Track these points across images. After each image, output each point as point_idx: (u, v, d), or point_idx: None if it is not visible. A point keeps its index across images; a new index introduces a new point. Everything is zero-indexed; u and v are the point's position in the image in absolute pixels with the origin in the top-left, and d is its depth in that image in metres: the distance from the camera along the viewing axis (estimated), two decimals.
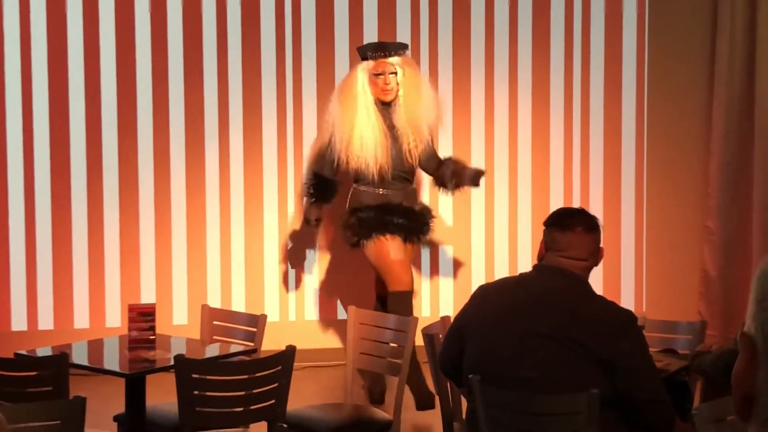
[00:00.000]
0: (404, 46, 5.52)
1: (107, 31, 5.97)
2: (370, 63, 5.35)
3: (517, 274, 3.64)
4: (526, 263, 6.36)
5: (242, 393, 3.76)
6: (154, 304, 4.25)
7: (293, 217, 6.18)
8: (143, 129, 6.04)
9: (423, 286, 6.29)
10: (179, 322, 5.98)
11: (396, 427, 4.24)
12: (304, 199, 5.64)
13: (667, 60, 6.43)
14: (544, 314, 3.32)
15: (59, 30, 5.93)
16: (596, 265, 3.43)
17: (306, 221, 5.65)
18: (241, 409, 3.80)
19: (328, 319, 6.25)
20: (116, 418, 4.22)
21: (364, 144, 5.30)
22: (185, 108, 6.06)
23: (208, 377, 3.73)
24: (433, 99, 5.48)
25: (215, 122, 6.10)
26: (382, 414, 4.32)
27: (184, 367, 3.68)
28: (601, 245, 3.44)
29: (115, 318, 6.01)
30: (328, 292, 6.26)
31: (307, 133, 6.16)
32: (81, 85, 5.96)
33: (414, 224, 5.46)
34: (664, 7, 6.42)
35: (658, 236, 6.48)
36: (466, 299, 6.21)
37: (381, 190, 5.39)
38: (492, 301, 3.46)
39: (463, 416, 3.96)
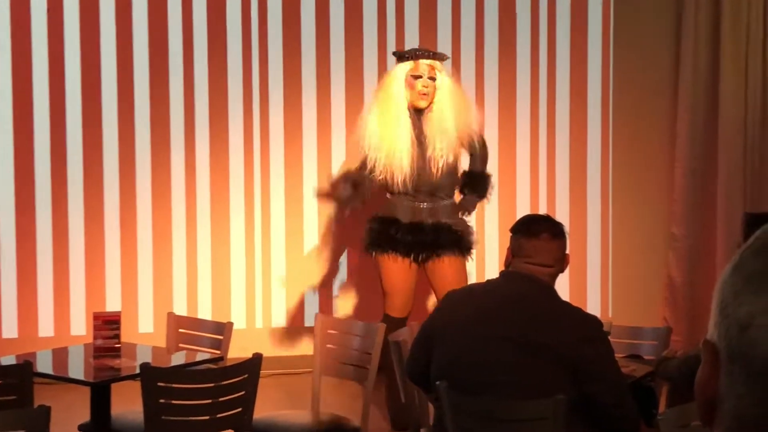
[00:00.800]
0: (445, 55, 5.32)
1: (72, 39, 5.93)
2: (410, 63, 5.11)
3: (485, 280, 3.65)
4: (493, 269, 6.38)
5: (209, 401, 3.74)
6: (119, 312, 4.23)
7: (260, 224, 6.17)
8: (108, 137, 6.00)
9: None
10: (145, 330, 5.95)
11: None
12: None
13: (631, 67, 6.48)
14: (511, 320, 3.34)
15: (23, 38, 5.88)
16: (562, 271, 3.46)
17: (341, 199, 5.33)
18: (208, 417, 3.78)
19: (295, 326, 6.23)
20: (81, 428, 4.19)
21: (393, 153, 5.05)
22: (150, 116, 6.03)
23: (174, 385, 3.71)
24: (470, 110, 5.24)
25: (181, 130, 6.07)
26: (349, 421, 4.32)
27: (149, 375, 3.66)
28: (567, 252, 3.46)
29: (80, 326, 5.96)
30: (295, 299, 6.24)
31: (274, 141, 6.15)
32: (45, 92, 5.92)
33: (440, 240, 5.15)
34: (629, 14, 6.47)
35: (624, 242, 6.52)
36: (432, 306, 6.28)
37: (413, 202, 5.13)
38: (459, 308, 3.47)
39: (431, 423, 3.96)
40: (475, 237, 5.34)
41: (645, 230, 6.53)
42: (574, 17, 6.43)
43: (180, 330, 4.53)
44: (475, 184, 5.29)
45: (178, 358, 4.32)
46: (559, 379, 3.26)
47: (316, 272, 6.23)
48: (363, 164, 5.20)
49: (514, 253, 3.46)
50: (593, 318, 3.37)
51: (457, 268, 5.15)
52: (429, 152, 5.12)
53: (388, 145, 5.07)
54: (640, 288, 6.51)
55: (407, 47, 6.00)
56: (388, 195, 5.21)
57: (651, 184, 6.54)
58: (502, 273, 3.49)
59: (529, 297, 3.37)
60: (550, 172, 6.49)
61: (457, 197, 5.32)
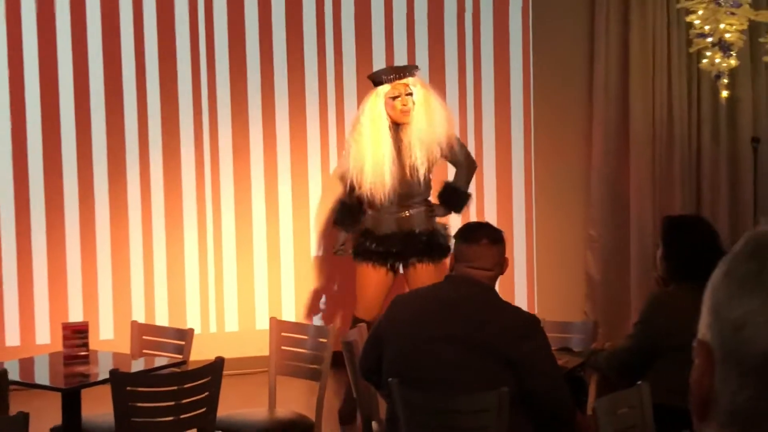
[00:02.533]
0: (416, 67, 5.28)
1: (31, 63, 5.84)
2: (386, 87, 5.06)
3: (431, 284, 3.66)
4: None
5: (174, 403, 3.70)
6: (86, 323, 4.16)
7: (212, 237, 6.13)
8: (67, 155, 5.91)
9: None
10: (106, 337, 5.86)
11: (318, 428, 4.23)
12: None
13: (551, 87, 6.56)
14: (455, 320, 3.35)
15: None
16: (501, 273, 3.48)
17: (334, 249, 5.32)
18: (174, 418, 3.73)
19: (247, 329, 6.19)
20: (53, 430, 4.11)
21: (376, 171, 5.00)
22: (107, 133, 5.95)
23: (142, 389, 3.66)
24: (445, 116, 5.18)
25: (135, 145, 6.00)
26: (305, 417, 4.30)
27: (119, 380, 3.60)
28: (506, 256, 3.49)
29: (44, 335, 5.85)
30: (245, 304, 6.20)
31: (223, 150, 6.11)
32: (6, 105, 5.80)
33: (415, 249, 5.10)
34: (548, 40, 6.54)
35: (547, 244, 6.59)
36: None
37: (390, 213, 5.09)
38: (407, 310, 3.47)
39: (381, 416, 3.96)
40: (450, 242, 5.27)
41: (565, 233, 6.61)
42: (498, 44, 6.49)
43: (143, 337, 4.47)
44: (453, 200, 5.23)
45: (143, 364, 4.26)
46: (501, 374, 3.27)
47: (264, 279, 6.20)
48: (350, 187, 5.12)
49: (456, 258, 3.47)
50: (531, 316, 3.40)
51: (433, 273, 5.04)
52: (408, 162, 5.06)
53: (371, 164, 5.01)
54: (562, 285, 6.58)
55: (346, 59, 6.00)
56: (369, 211, 5.16)
57: (570, 190, 6.62)
58: (446, 277, 3.50)
59: (471, 299, 3.39)
60: (479, 181, 6.53)
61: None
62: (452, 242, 5.03)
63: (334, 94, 6.21)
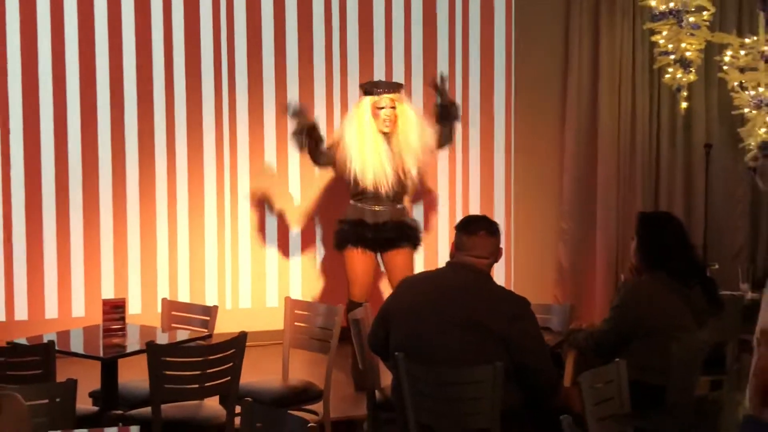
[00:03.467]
0: (401, 86, 5.31)
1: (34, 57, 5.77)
2: (374, 98, 5.14)
3: (434, 269, 3.64)
4: (419, 259, 6.38)
5: (202, 372, 3.68)
6: (123, 299, 4.14)
7: (229, 225, 6.10)
8: (102, 136, 5.82)
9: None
10: (134, 312, 5.82)
11: (327, 395, 4.21)
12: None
13: (530, 95, 6.54)
14: (455, 302, 3.34)
15: None
16: (497, 261, 3.47)
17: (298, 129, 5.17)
18: (200, 385, 3.71)
19: (259, 306, 6.17)
20: (91, 394, 4.09)
21: (378, 167, 5.07)
22: (138, 129, 5.89)
23: (175, 359, 3.63)
24: (426, 130, 5.23)
25: (163, 141, 5.93)
26: (314, 385, 4.29)
27: (155, 351, 3.58)
28: (501, 246, 3.48)
29: (79, 309, 5.81)
30: (258, 283, 6.17)
31: (241, 142, 6.06)
32: (50, 92, 5.72)
33: (402, 235, 5.21)
34: (528, 52, 6.52)
35: (523, 236, 6.58)
36: (385, 292, 6.24)
37: (376, 207, 5.14)
38: (412, 291, 3.47)
39: (382, 385, 3.95)
40: (422, 233, 5.38)
41: (540, 226, 6.60)
42: (483, 56, 6.46)
43: (173, 312, 4.44)
44: (447, 113, 5.27)
45: (167, 337, 4.24)
46: (496, 350, 3.27)
47: (274, 262, 6.18)
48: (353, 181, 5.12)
49: (457, 247, 3.46)
50: (522, 299, 3.39)
51: (407, 257, 5.21)
52: (398, 166, 5.14)
53: (373, 162, 5.05)
54: (536, 272, 6.58)
55: (350, 56, 5.94)
56: (351, 201, 5.18)
57: (545, 189, 6.60)
58: (447, 263, 3.49)
59: (469, 283, 3.38)
60: (464, 180, 6.53)
61: (407, 201, 5.37)
62: (421, 233, 5.32)
63: (339, 89, 6.18)
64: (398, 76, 6.21)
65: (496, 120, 6.52)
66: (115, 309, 4.08)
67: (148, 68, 5.87)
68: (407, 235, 5.21)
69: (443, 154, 6.42)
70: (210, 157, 6.05)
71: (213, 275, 6.09)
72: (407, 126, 5.16)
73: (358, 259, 5.14)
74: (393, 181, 5.13)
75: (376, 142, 5.09)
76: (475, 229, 3.43)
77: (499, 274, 6.59)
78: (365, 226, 5.14)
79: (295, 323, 4.42)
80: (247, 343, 3.81)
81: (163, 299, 4.57)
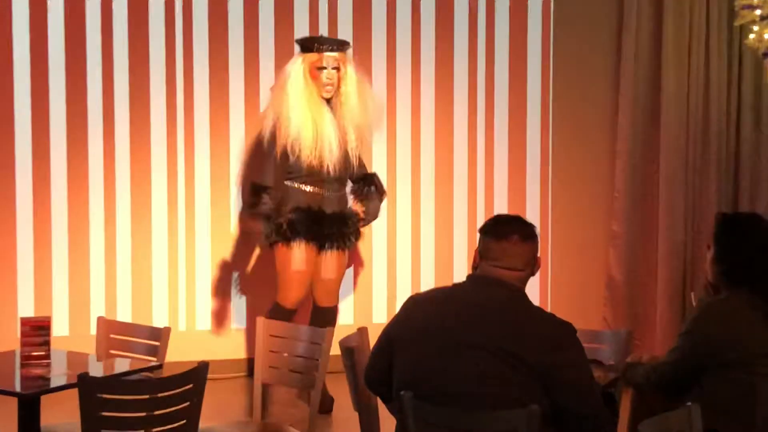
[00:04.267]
0: (348, 44, 5.49)
1: None
2: (313, 56, 5.31)
3: (451, 284, 3.63)
4: (428, 270, 6.41)
5: (151, 413, 3.65)
6: (48, 318, 4.11)
7: (184, 219, 6.11)
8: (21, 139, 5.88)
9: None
10: (60, 334, 5.82)
11: None
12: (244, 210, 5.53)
13: (572, 59, 6.56)
14: (480, 326, 3.32)
15: None
16: (533, 275, 3.45)
17: (262, 236, 5.42)
18: (149, 430, 3.69)
19: (221, 329, 6.17)
20: None
21: (319, 137, 5.25)
22: (67, 117, 5.91)
23: (114, 397, 3.61)
24: (374, 101, 5.47)
25: (100, 125, 5.97)
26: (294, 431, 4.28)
27: (88, 385, 3.55)
28: (539, 255, 3.47)
29: None
30: (221, 300, 6.17)
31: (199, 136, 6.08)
32: None
33: (345, 231, 5.45)
34: (570, 3, 6.53)
35: (564, 240, 6.60)
36: (367, 305, 6.29)
37: (316, 189, 5.35)
38: (424, 313, 3.44)
39: None
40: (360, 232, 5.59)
41: (585, 227, 6.62)
42: (514, 8, 6.47)
43: (111, 335, 4.44)
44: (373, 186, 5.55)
45: (111, 367, 4.23)
46: (531, 389, 3.25)
47: (246, 271, 6.18)
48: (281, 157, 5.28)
49: (481, 256, 3.44)
50: (566, 324, 3.37)
51: (343, 257, 5.49)
52: (343, 142, 5.31)
53: (314, 131, 5.23)
54: (579, 287, 6.60)
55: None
56: (287, 182, 5.33)
57: (591, 179, 6.62)
58: (469, 277, 3.47)
59: (498, 302, 3.36)
60: (488, 168, 6.52)
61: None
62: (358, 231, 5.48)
63: None
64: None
65: (529, 87, 6.53)
66: (37, 330, 4.04)
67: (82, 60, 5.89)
68: (348, 233, 5.43)
69: (459, 133, 6.43)
70: (159, 138, 6.07)
71: (162, 288, 6.10)
72: (352, 93, 5.33)
73: (297, 255, 5.31)
74: (338, 157, 5.29)
75: (318, 108, 5.24)
76: (506, 233, 3.41)
77: (531, 290, 6.56)
78: (311, 214, 5.30)
79: (270, 351, 4.42)
80: (209, 376, 3.80)
81: (99, 318, 4.56)
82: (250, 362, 4.61)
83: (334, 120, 5.30)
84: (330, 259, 5.45)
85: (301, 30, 6.06)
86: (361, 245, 6.30)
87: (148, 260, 6.09)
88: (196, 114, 6.11)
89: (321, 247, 5.42)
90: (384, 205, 6.30)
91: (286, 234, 5.32)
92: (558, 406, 3.26)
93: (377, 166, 6.28)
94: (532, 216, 6.57)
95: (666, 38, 6.49)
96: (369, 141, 5.55)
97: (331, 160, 5.27)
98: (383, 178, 6.31)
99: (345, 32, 6.18)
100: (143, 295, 6.08)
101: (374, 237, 6.38)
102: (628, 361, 3.96)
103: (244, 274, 6.18)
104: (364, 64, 6.21)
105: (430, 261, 6.47)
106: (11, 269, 5.89)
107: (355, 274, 6.35)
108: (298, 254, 5.35)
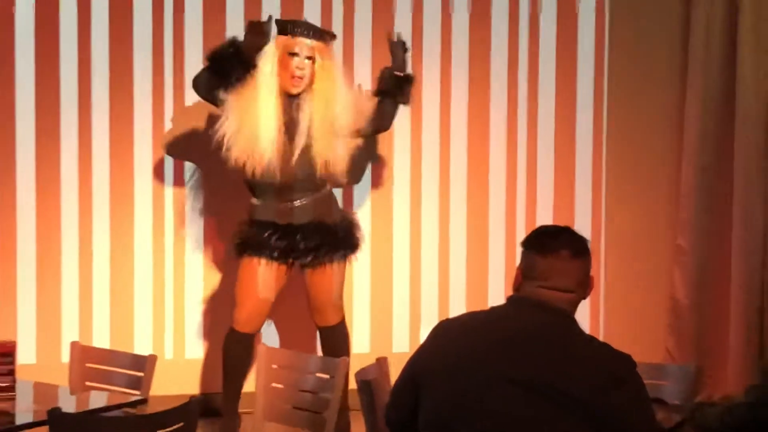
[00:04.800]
0: (331, 35, 5.54)
1: None
2: (288, 39, 5.39)
3: (487, 307, 3.64)
4: (458, 291, 6.43)
5: None
6: (13, 343, 4.16)
7: (171, 231, 6.15)
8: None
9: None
10: (26, 361, 5.86)
11: None
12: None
13: (631, 43, 6.58)
14: (522, 358, 3.33)
15: None
16: (585, 297, 3.46)
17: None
18: None
19: (215, 356, 6.18)
20: None
21: (255, 137, 5.33)
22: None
23: None
24: (352, 102, 5.51)
25: (75, 120, 6.03)
26: None
27: (60, 423, 3.58)
28: (592, 274, 3.47)
29: None
30: (215, 324, 6.20)
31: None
32: None
33: (329, 240, 5.52)
34: None
35: (619, 257, 6.61)
36: (386, 332, 6.32)
37: (281, 201, 5.46)
38: (455, 342, 3.45)
39: None
40: (362, 234, 5.66)
41: (645, 242, 6.62)
42: None
43: (87, 364, 4.48)
44: (394, 85, 5.56)
45: (86, 401, 4.28)
46: (578, 430, 3.26)
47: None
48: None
49: (524, 274, 3.44)
50: (624, 357, 3.38)
51: (338, 273, 5.59)
52: (301, 144, 5.38)
53: (250, 128, 5.33)
54: (638, 313, 6.60)
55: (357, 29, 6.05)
56: (253, 200, 5.49)
57: (653, 186, 6.63)
58: (509, 299, 3.48)
59: (544, 330, 3.36)
60: (530, 173, 6.54)
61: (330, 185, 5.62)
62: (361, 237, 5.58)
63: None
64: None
65: (579, 80, 6.56)
66: (1, 357, 4.08)
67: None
68: (336, 241, 5.49)
69: (497, 130, 6.45)
70: (142, 140, 6.13)
71: (147, 309, 6.14)
72: (323, 90, 5.39)
73: (252, 273, 5.45)
74: (284, 164, 5.35)
75: (269, 102, 5.33)
76: (554, 247, 3.41)
77: (581, 316, 6.54)
78: (266, 228, 5.42)
79: (272, 384, 4.45)
80: (201, 413, 3.83)
81: (72, 344, 4.61)
82: (250, 396, 4.62)
83: (281, 119, 5.37)
84: (315, 276, 5.55)
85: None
86: (380, 261, 6.33)
87: (130, 276, 6.12)
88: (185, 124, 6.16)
89: (302, 266, 5.53)
90: (407, 215, 6.37)
91: (248, 250, 5.47)
92: None
93: (400, 173, 6.33)
94: (582, 228, 6.49)
95: (743, 15, 6.48)
96: (339, 147, 5.52)
97: (260, 164, 5.34)
98: (407, 185, 6.37)
99: (364, 29, 6.22)
100: (124, 317, 6.12)
101: (395, 252, 6.40)
102: (696, 401, 3.96)
103: None
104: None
105: (461, 280, 6.48)
106: None
107: (372, 295, 6.37)
108: (261, 270, 5.49)
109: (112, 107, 6.08)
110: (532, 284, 3.40)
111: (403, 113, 6.32)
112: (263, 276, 5.48)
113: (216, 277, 6.21)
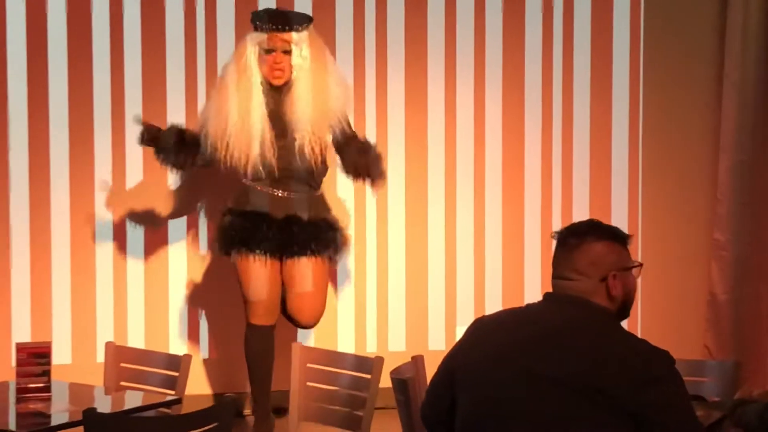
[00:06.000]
0: (306, 19, 5.49)
1: None
2: (262, 35, 5.38)
3: (523, 304, 3.63)
4: (494, 288, 6.41)
5: None
6: (49, 343, 4.17)
7: (205, 228, 6.16)
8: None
9: (370, 315, 6.30)
10: (61, 361, 5.89)
11: None
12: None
13: (667, 33, 6.54)
14: (557, 355, 3.31)
15: None
16: (603, 280, 3.38)
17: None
18: None
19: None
20: None
21: (241, 132, 5.34)
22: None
23: None
24: (339, 85, 5.50)
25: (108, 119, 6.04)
26: None
27: (96, 424, 3.58)
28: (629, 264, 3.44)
29: None
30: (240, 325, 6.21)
31: None
32: None
33: (320, 239, 5.52)
34: None
35: (655, 252, 6.56)
36: (422, 330, 6.31)
37: (280, 192, 5.44)
38: (491, 339, 3.43)
39: None
40: (345, 237, 5.61)
41: (682, 236, 6.60)
42: None
43: (122, 364, 4.48)
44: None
45: (121, 401, 4.27)
46: (619, 429, 3.24)
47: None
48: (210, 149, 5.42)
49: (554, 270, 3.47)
50: (663, 353, 3.35)
51: (318, 272, 5.52)
52: (292, 136, 5.38)
53: (238, 123, 5.33)
54: (675, 309, 6.57)
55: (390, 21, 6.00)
56: (244, 181, 5.45)
57: (690, 181, 6.60)
58: (544, 296, 3.47)
59: (579, 325, 3.34)
60: (565, 168, 6.52)
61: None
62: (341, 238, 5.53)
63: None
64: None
65: (615, 68, 6.52)
66: (35, 358, 4.09)
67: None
68: (315, 239, 5.46)
69: (532, 124, 6.44)
70: None
71: (180, 309, 6.13)
72: (309, 81, 5.37)
73: (252, 269, 5.43)
74: (278, 156, 5.34)
75: (254, 96, 5.34)
76: (562, 238, 3.41)
77: None
78: (258, 220, 5.39)
79: (308, 383, 4.44)
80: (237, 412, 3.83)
81: (107, 344, 4.61)
82: (284, 395, 4.62)
83: (265, 112, 5.37)
84: (299, 267, 5.50)
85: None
86: (415, 259, 6.31)
87: (164, 276, 6.13)
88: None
89: (288, 255, 5.49)
90: (442, 211, 6.35)
91: (242, 245, 5.44)
92: None
93: (434, 171, 6.31)
94: (619, 224, 6.51)
95: None
96: (329, 133, 5.50)
97: (248, 158, 5.34)
98: (441, 183, 6.35)
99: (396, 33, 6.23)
100: (158, 317, 6.13)
101: (430, 248, 6.38)
102: (736, 398, 3.93)
103: None
104: (419, 60, 6.28)
105: (497, 278, 6.46)
106: (4, 287, 5.96)
107: (408, 293, 6.36)
108: (260, 266, 5.47)
109: (145, 107, 6.09)
110: (553, 279, 3.41)
111: (437, 112, 6.33)
112: (262, 270, 5.47)
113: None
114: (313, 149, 5.40)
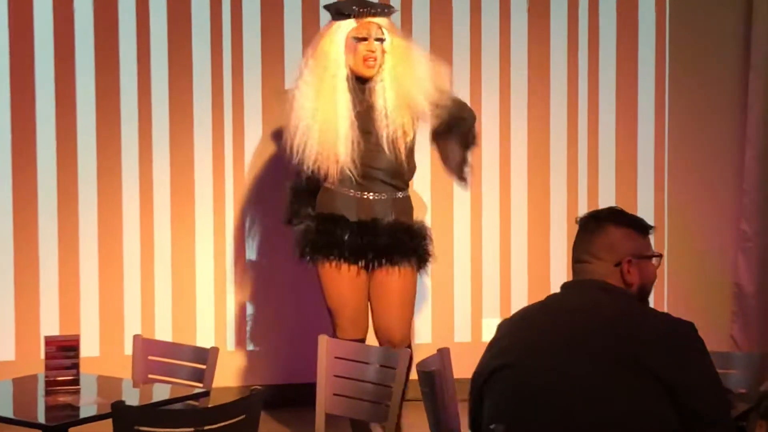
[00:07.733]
0: (392, 9, 5.22)
1: None
2: (351, 23, 5.05)
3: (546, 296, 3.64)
4: (520, 280, 6.40)
5: None
6: (77, 337, 4.18)
7: (231, 223, 6.18)
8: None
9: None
10: (90, 354, 5.92)
11: None
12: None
13: (692, 22, 6.52)
14: (589, 332, 3.31)
15: None
16: (618, 264, 3.38)
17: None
18: None
19: (274, 349, 6.23)
20: None
21: (327, 137, 4.99)
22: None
23: (154, 429, 3.65)
24: (433, 74, 5.12)
25: (135, 118, 6.07)
26: None
27: (124, 415, 3.60)
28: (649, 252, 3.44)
29: (7, 349, 5.94)
30: (277, 315, 6.23)
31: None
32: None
33: (405, 246, 5.11)
34: None
35: (681, 243, 6.56)
36: (448, 322, 6.31)
37: (362, 194, 5.08)
38: (515, 335, 3.45)
39: None
40: (432, 245, 5.22)
41: (708, 228, 6.58)
42: None
43: (149, 357, 4.49)
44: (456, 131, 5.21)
45: (149, 394, 4.29)
46: (654, 397, 3.22)
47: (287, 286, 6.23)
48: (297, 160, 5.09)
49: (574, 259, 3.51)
50: (686, 323, 3.42)
51: (410, 281, 5.14)
52: (380, 131, 5.04)
53: (322, 128, 4.99)
54: (701, 300, 6.54)
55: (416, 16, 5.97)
56: (326, 184, 5.11)
57: (716, 171, 6.58)
58: (562, 285, 3.52)
59: (604, 306, 3.36)
60: (591, 160, 6.51)
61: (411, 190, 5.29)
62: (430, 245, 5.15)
63: None
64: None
65: (640, 58, 6.51)
66: (64, 351, 4.10)
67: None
68: (406, 245, 5.09)
69: (555, 117, 6.43)
70: (203, 132, 6.16)
71: (209, 302, 6.16)
72: (400, 69, 5.04)
73: (335, 277, 5.08)
74: (363, 156, 5.02)
75: (339, 94, 4.99)
76: (581, 225, 3.44)
77: None
78: (341, 224, 5.06)
79: (334, 375, 4.44)
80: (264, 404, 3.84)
81: (135, 337, 4.62)
82: (310, 388, 4.63)
83: (352, 111, 5.01)
84: (383, 277, 5.12)
85: None
86: (441, 251, 6.28)
87: (191, 269, 6.15)
88: (246, 112, 6.18)
89: (369, 265, 5.10)
90: (467, 204, 6.34)
91: (323, 251, 5.08)
92: (683, 414, 3.23)
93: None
94: (645, 215, 6.49)
95: None
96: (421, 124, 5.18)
97: (336, 165, 5.00)
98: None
99: (422, 26, 6.23)
100: (186, 309, 6.15)
101: (455, 242, 6.38)
102: (762, 390, 3.92)
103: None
104: (445, 44, 6.28)
105: (523, 270, 6.45)
106: (33, 280, 5.98)
107: (434, 286, 6.36)
108: (343, 273, 5.10)
109: (171, 102, 6.10)
110: (576, 265, 3.45)
111: None
112: (346, 278, 5.10)
113: (276, 271, 6.21)
114: (401, 142, 5.06)
